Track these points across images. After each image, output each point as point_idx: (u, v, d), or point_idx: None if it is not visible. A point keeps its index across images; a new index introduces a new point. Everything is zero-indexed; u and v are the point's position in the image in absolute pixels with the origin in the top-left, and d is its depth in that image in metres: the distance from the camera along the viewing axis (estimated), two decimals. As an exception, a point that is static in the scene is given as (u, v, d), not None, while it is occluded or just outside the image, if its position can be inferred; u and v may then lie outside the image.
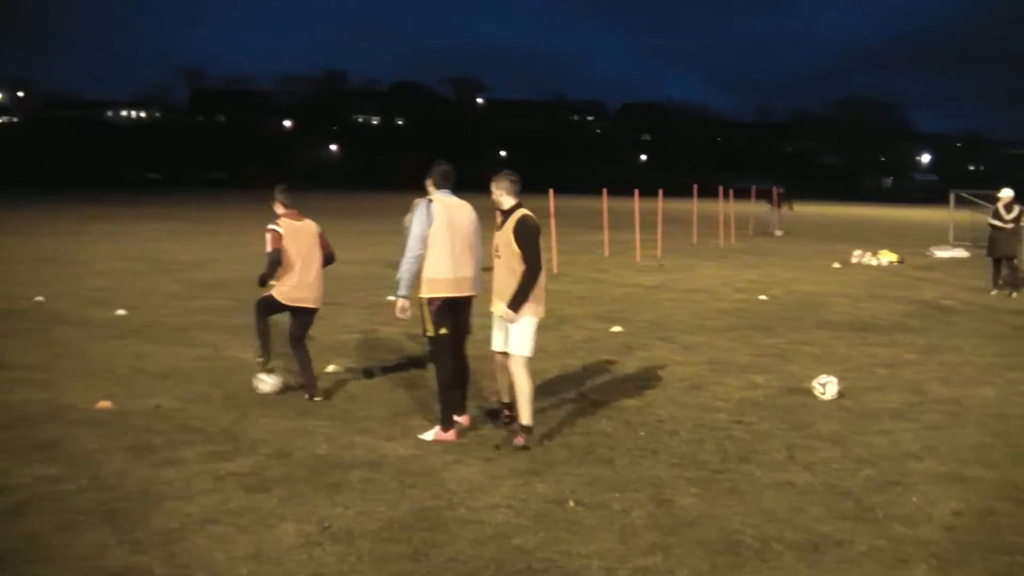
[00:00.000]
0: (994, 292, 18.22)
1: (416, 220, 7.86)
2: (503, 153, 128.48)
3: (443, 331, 7.89)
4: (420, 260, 7.81)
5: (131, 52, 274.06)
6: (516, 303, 7.48)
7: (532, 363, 7.73)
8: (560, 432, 8.00)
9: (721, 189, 34.93)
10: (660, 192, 29.69)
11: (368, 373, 10.10)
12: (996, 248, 18.34)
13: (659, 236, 27.35)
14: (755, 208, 39.00)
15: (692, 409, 8.89)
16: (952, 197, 33.99)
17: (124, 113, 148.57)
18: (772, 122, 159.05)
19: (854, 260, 25.02)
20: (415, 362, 10.65)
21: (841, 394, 9.36)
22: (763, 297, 17.03)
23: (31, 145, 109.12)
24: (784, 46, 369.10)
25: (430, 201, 7.98)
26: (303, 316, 9.29)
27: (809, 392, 9.44)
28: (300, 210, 9.44)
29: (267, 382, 9.17)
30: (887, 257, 24.97)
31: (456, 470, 6.96)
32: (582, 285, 18.30)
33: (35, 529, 5.68)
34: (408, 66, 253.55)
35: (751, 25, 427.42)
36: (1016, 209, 18.15)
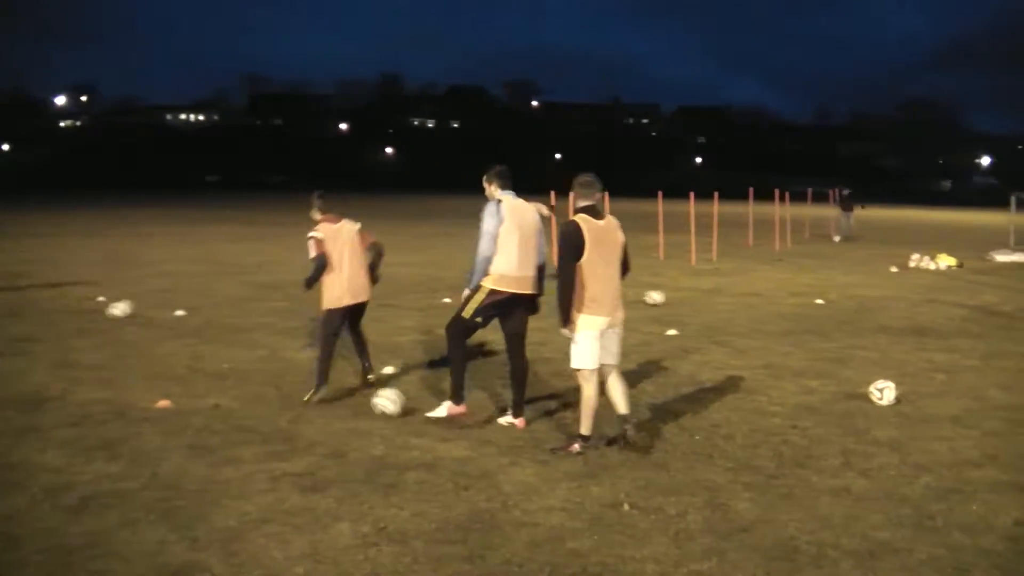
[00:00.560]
0: None
1: (488, 220, 8.05)
2: (558, 156, 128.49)
3: (479, 319, 8.21)
4: (492, 260, 8.03)
5: (194, 58, 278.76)
6: (560, 319, 7.42)
7: (622, 360, 7.73)
8: (615, 435, 7.99)
9: (777, 192, 34.66)
10: (716, 195, 29.54)
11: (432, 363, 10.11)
12: None
13: (714, 239, 27.20)
14: (813, 211, 38.60)
15: (747, 413, 8.84)
16: (1013, 200, 33.38)
17: (183, 117, 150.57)
18: (831, 125, 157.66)
19: (912, 264, 24.69)
20: (470, 363, 10.69)
21: (898, 400, 9.26)
22: (819, 301, 16.88)
23: (95, 148, 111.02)
24: (844, 48, 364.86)
25: (499, 201, 8.16)
26: (358, 310, 9.68)
27: (866, 397, 9.35)
28: (341, 212, 9.68)
29: (391, 404, 8.64)
30: (946, 261, 24.62)
31: (511, 472, 6.98)
32: (637, 288, 18.25)
33: (98, 525, 5.80)
34: (465, 69, 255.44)
35: (811, 28, 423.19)
36: None
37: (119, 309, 13.59)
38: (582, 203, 7.53)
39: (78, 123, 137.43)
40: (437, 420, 8.36)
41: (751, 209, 32.17)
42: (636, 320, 14.19)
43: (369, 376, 9.72)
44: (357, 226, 9.60)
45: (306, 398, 9.07)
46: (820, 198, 39.23)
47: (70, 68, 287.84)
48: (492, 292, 8.08)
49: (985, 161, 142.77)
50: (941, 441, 8.01)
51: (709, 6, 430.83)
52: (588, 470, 7.07)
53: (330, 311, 9.42)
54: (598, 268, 7.30)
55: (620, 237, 7.58)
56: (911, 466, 7.32)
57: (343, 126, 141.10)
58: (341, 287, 9.34)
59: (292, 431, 7.96)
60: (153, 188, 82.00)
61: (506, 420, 8.34)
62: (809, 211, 38.59)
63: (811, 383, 10.16)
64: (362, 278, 9.55)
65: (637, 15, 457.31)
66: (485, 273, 8.06)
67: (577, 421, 7.74)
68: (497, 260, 8.03)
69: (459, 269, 20.52)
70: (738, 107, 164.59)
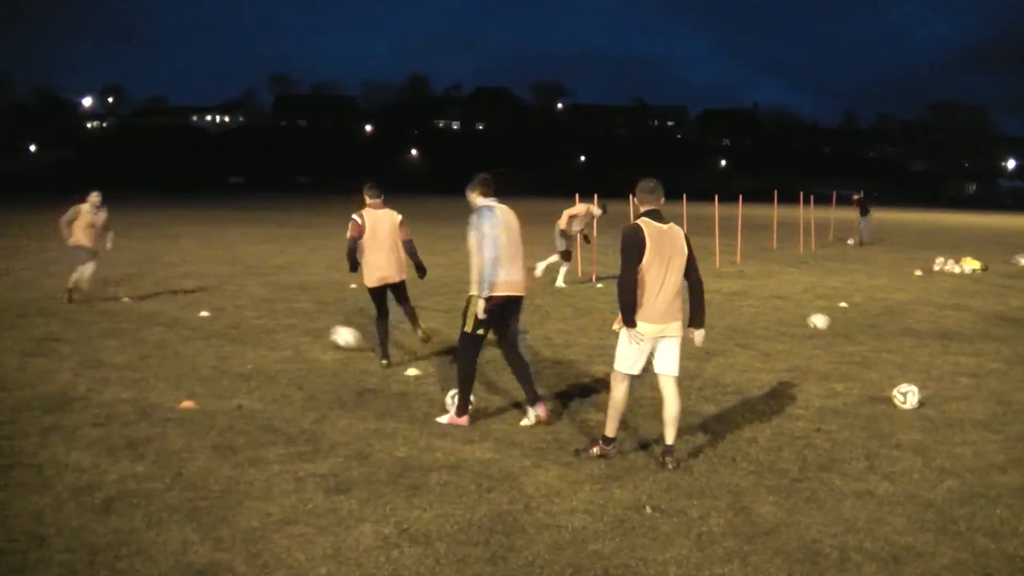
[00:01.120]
0: None
1: (485, 225, 8.18)
2: (583, 158, 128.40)
3: (480, 331, 8.37)
4: (496, 262, 8.14)
5: (223, 59, 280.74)
6: (624, 320, 7.32)
7: (611, 367, 7.71)
8: (638, 437, 7.99)
9: (802, 195, 34.49)
10: (740, 197, 29.45)
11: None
12: None
13: (739, 242, 27.12)
14: (836, 214, 38.42)
15: (771, 416, 8.82)
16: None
17: (208, 118, 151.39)
18: (858, 128, 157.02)
19: (936, 268, 24.52)
20: (494, 367, 10.71)
21: (922, 403, 9.22)
22: (844, 304, 16.80)
23: (121, 149, 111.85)
24: (872, 52, 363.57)
25: (490, 208, 8.34)
26: (396, 291, 10.73)
27: (890, 401, 9.31)
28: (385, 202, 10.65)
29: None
30: (970, 265, 24.45)
31: (534, 474, 6.99)
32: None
33: (124, 525, 5.84)
34: (492, 71, 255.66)
35: (839, 31, 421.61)
36: None
37: (343, 339, 11.55)
38: (645, 207, 7.45)
39: (104, 124, 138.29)
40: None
41: (775, 212, 32.04)
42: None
43: (419, 334, 10.82)
44: (399, 218, 10.70)
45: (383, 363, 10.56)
46: (843, 201, 38.97)
47: (99, 69, 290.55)
48: (486, 300, 8.22)
49: (1011, 164, 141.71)
50: (966, 445, 7.96)
51: (737, 9, 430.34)
52: (611, 472, 7.07)
53: (371, 291, 10.68)
54: (654, 273, 7.19)
55: (684, 245, 7.41)
56: (935, 470, 7.29)
57: (368, 128, 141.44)
58: (375, 266, 10.53)
59: (316, 432, 7.99)
60: (178, 189, 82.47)
61: (529, 418, 8.44)
62: (833, 214, 38.39)
63: (836, 386, 10.12)
64: (394, 261, 10.60)
65: (664, 18, 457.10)
66: (492, 272, 8.15)
67: (602, 424, 7.73)
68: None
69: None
70: (764, 110, 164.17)
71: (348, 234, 10.59)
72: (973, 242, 37.27)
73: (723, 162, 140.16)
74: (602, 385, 9.89)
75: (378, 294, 10.68)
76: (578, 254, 20.49)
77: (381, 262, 10.51)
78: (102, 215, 15.57)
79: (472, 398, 8.50)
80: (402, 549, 5.58)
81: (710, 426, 8.44)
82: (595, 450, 7.43)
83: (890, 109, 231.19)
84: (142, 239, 28.68)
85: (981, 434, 8.32)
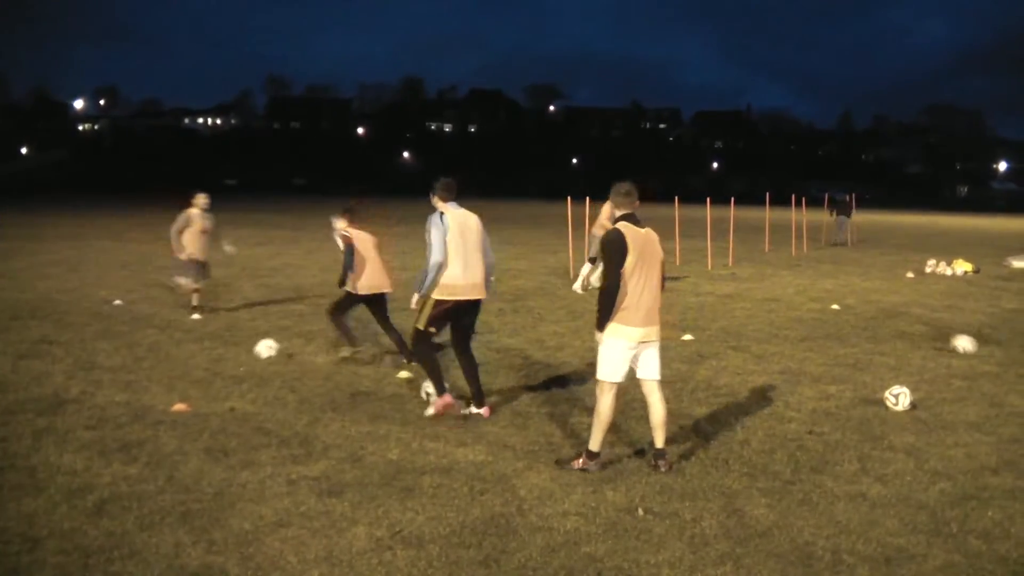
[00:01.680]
0: None
1: (435, 231, 8.48)
2: (575, 160, 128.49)
3: (432, 329, 8.71)
4: (442, 267, 8.51)
5: (218, 62, 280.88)
6: (597, 323, 7.29)
7: (663, 370, 7.70)
8: (631, 440, 8.00)
9: (794, 197, 34.55)
10: (732, 200, 29.49)
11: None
12: None
13: (731, 244, 27.15)
14: (828, 217, 38.49)
15: (764, 419, 8.83)
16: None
17: (201, 120, 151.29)
18: (854, 130, 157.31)
19: (928, 270, 24.57)
20: (484, 369, 10.72)
21: (914, 405, 9.24)
22: (836, 307, 16.83)
23: (114, 151, 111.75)
24: (868, 55, 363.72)
25: (442, 214, 8.59)
26: (380, 304, 11.28)
27: (883, 403, 9.33)
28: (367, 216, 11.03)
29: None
30: (962, 267, 24.50)
31: (527, 477, 6.99)
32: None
33: (117, 527, 5.84)
34: (487, 73, 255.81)
35: (835, 34, 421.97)
36: None
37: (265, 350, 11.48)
38: (621, 211, 7.40)
39: (96, 126, 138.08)
40: (453, 424, 8.40)
41: (768, 214, 32.09)
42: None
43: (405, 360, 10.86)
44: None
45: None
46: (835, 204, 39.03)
47: (93, 71, 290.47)
48: (439, 303, 8.59)
49: (1003, 166, 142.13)
50: (958, 447, 7.98)
51: (732, 12, 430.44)
52: (604, 475, 7.07)
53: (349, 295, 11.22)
54: (636, 277, 7.15)
55: (660, 251, 7.45)
56: (928, 472, 7.30)
57: (360, 130, 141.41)
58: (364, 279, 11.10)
59: (309, 435, 7.99)
60: (173, 191, 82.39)
61: (470, 410, 8.74)
62: (826, 216, 38.43)
63: (828, 388, 10.14)
64: (382, 271, 11.29)
65: (660, 21, 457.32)
66: (436, 280, 8.51)
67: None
68: (442, 272, 8.52)
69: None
70: (759, 112, 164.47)
71: (342, 245, 11.22)
72: (965, 244, 37.34)
73: (716, 164, 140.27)
74: (591, 388, 9.89)
75: (356, 301, 11.24)
76: (570, 257, 20.42)
77: (370, 272, 11.15)
78: (212, 219, 14.58)
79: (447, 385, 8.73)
80: (395, 551, 5.58)
81: (703, 428, 8.45)
82: (578, 463, 7.25)
83: (885, 112, 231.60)
84: (136, 241, 28.63)
85: (973, 436, 8.34)
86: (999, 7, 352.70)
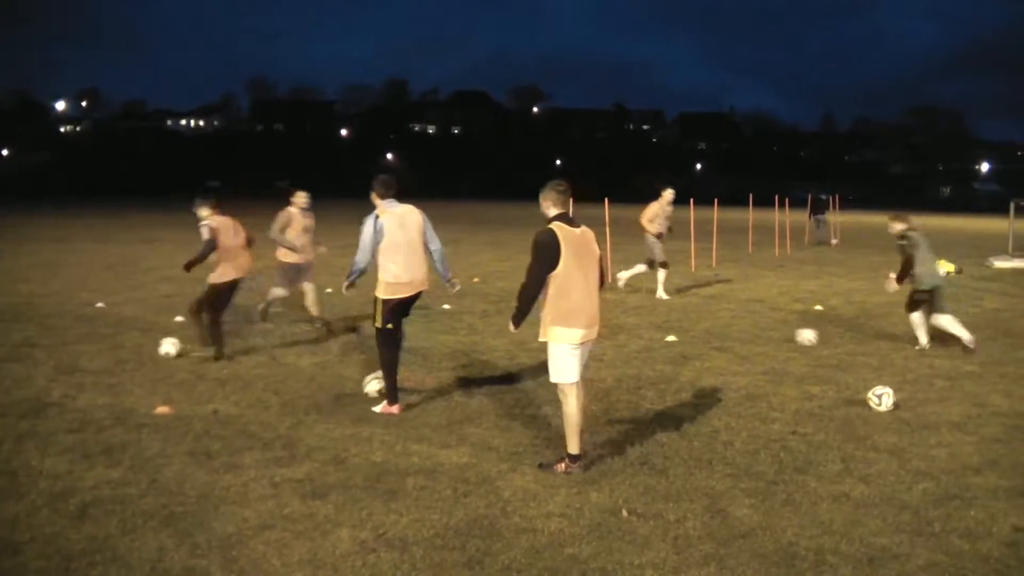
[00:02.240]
0: None
1: (365, 233, 8.74)
2: (558, 162, 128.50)
3: (390, 326, 8.92)
4: (364, 270, 8.91)
5: (202, 63, 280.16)
6: (513, 317, 7.31)
7: (588, 371, 7.72)
8: (614, 441, 8.00)
9: (777, 198, 34.64)
10: (716, 201, 29.55)
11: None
12: None
13: (714, 245, 27.20)
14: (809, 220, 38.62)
15: (747, 419, 8.85)
16: (1012, 206, 33.31)
17: (184, 122, 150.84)
18: (837, 132, 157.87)
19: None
20: (470, 370, 10.72)
21: (897, 405, 9.27)
22: (820, 307, 16.88)
23: (96, 153, 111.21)
24: (851, 56, 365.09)
25: (377, 217, 8.76)
26: (235, 289, 11.83)
27: (866, 403, 9.35)
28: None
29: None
30: (945, 268, 24.54)
31: (511, 478, 6.99)
32: (638, 295, 18.26)
33: (99, 532, 5.81)
34: (470, 75, 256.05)
35: (818, 35, 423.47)
36: None
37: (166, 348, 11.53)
38: (556, 211, 7.32)
39: (78, 128, 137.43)
40: (437, 426, 8.40)
41: (751, 215, 32.16)
42: (637, 326, 14.20)
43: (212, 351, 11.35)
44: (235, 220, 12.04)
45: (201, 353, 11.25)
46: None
47: (76, 73, 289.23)
48: (386, 302, 8.85)
49: (984, 167, 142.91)
50: (941, 447, 8.01)
51: (716, 13, 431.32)
52: (587, 476, 7.08)
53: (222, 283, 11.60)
54: (576, 279, 7.11)
55: (596, 249, 7.42)
56: (911, 472, 7.33)
57: (343, 132, 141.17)
58: (231, 267, 11.61)
59: (292, 437, 7.97)
60: (156, 193, 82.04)
61: (372, 392, 9.31)
62: (808, 218, 38.55)
63: (812, 389, 10.17)
64: (244, 259, 11.83)
65: (643, 22, 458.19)
66: (359, 276, 8.94)
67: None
68: (386, 271, 8.81)
69: (463, 275, 20.55)
70: (743, 113, 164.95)
71: (205, 237, 11.80)
72: (948, 245, 37.48)
73: (699, 166, 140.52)
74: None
75: (226, 292, 11.78)
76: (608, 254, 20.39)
77: (229, 263, 11.72)
78: (312, 217, 13.85)
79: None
80: (379, 554, 5.58)
81: (686, 429, 8.46)
82: (561, 467, 7.22)
83: (869, 113, 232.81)
84: (120, 243, 28.54)
85: (956, 436, 8.37)
86: (981, 10, 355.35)
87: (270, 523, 6.03)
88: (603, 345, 12.26)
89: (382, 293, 8.84)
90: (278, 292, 13.75)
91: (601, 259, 7.49)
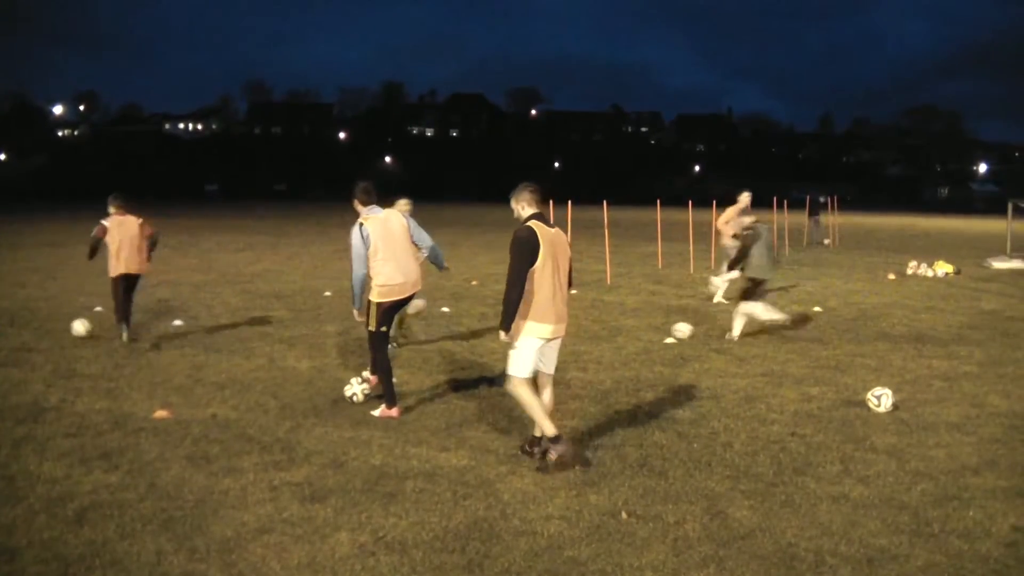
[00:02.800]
0: None
1: (355, 244, 8.83)
2: (556, 164, 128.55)
3: (384, 328, 9.05)
4: (366, 278, 8.95)
5: (200, 67, 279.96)
6: (502, 323, 7.32)
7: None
8: (614, 444, 8.00)
9: (775, 199, 34.67)
10: (714, 203, 29.58)
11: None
12: None
13: (712, 247, 27.20)
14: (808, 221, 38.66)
15: (746, 421, 8.84)
16: (1010, 207, 33.32)
17: (181, 126, 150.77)
18: (835, 133, 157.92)
19: (909, 271, 24.69)
20: (469, 373, 10.71)
21: (896, 406, 9.27)
22: (818, 309, 16.88)
23: (93, 157, 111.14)
24: (849, 57, 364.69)
25: (361, 224, 8.88)
26: (133, 283, 12.92)
27: (864, 404, 9.35)
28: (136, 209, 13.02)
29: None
30: (943, 268, 24.62)
31: (510, 481, 6.98)
32: (637, 296, 18.27)
33: (98, 536, 5.80)
34: (468, 78, 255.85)
35: (815, 36, 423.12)
36: None
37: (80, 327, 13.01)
38: (531, 210, 7.48)
39: (75, 132, 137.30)
40: (436, 429, 8.39)
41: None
42: (637, 328, 14.20)
43: (124, 335, 12.53)
44: (140, 220, 12.84)
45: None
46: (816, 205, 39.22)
47: (73, 76, 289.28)
48: (380, 305, 8.96)
49: (982, 168, 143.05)
50: (939, 448, 8.01)
51: (713, 15, 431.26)
52: (587, 479, 7.07)
53: (112, 278, 12.73)
54: (549, 277, 7.27)
55: (568, 250, 7.62)
56: (909, 473, 7.32)
57: (341, 135, 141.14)
58: (116, 261, 12.64)
59: (291, 440, 7.96)
60: (153, 197, 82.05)
61: (359, 389, 9.33)
62: (807, 219, 38.59)
63: (810, 390, 10.17)
64: (136, 256, 12.77)
65: (640, 24, 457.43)
66: (364, 290, 8.98)
67: (574, 432, 7.72)
68: (379, 275, 8.91)
69: (461, 277, 20.56)
70: (740, 115, 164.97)
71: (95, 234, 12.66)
72: (946, 246, 37.53)
73: (697, 167, 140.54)
74: (575, 392, 9.90)
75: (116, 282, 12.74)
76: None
77: (121, 257, 12.65)
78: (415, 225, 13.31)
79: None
80: (378, 557, 5.57)
81: (685, 431, 8.45)
82: (553, 455, 7.29)
83: (866, 114, 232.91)
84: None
85: (955, 436, 8.37)
86: (978, 11, 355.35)
87: (269, 527, 6.01)
88: (601, 347, 12.26)
89: (376, 297, 8.94)
90: (422, 304, 12.66)
91: (570, 260, 7.67)
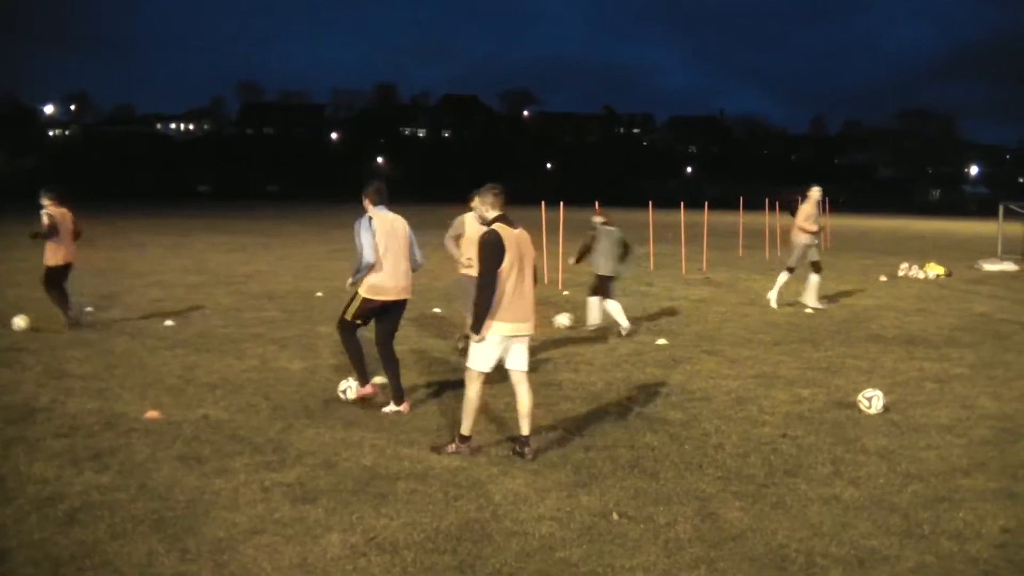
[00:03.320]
0: None
1: (364, 235, 8.96)
2: (549, 165, 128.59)
3: (359, 322, 9.19)
4: (374, 266, 8.94)
5: (192, 68, 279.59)
6: (473, 326, 7.54)
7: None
8: (605, 445, 8.01)
9: (767, 201, 34.72)
10: (706, 204, 29.60)
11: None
12: None
13: (704, 249, 27.24)
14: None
15: (738, 423, 8.86)
16: (1001, 209, 33.42)
17: (173, 126, 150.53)
18: (827, 135, 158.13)
19: (901, 273, 24.76)
20: (460, 374, 10.70)
21: (887, 408, 9.29)
22: (810, 310, 16.91)
23: (84, 157, 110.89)
24: (841, 59, 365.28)
25: (370, 218, 8.98)
26: (67, 272, 13.78)
27: (856, 406, 9.38)
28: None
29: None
30: (934, 270, 24.69)
31: (502, 482, 6.99)
32: (628, 298, 18.26)
33: (89, 537, 5.79)
34: (461, 80, 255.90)
35: (808, 39, 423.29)
36: None
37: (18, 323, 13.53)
38: (495, 212, 7.69)
39: (67, 132, 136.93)
40: (427, 430, 8.40)
41: (741, 219, 32.21)
42: (627, 330, 14.20)
43: (68, 316, 13.59)
44: (71, 214, 13.91)
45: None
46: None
47: (64, 76, 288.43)
48: (366, 300, 9.05)
49: (974, 171, 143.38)
50: (930, 449, 8.03)
51: (706, 17, 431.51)
52: (578, 480, 7.08)
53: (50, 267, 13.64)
54: (511, 277, 7.45)
55: (532, 250, 7.77)
56: (900, 474, 7.34)
57: (334, 135, 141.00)
58: (60, 250, 13.62)
59: (283, 441, 7.95)
60: (145, 197, 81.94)
61: (391, 409, 9.02)
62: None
63: (802, 392, 10.19)
64: (72, 247, 13.84)
65: (633, 26, 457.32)
66: (367, 274, 8.99)
67: (567, 433, 7.73)
68: (373, 272, 8.97)
69: (450, 278, 20.53)
70: (733, 117, 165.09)
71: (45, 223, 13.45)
72: (937, 248, 37.62)
73: (689, 169, 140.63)
74: (566, 393, 9.91)
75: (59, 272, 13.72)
76: (561, 261, 20.38)
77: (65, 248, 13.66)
78: None
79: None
80: (369, 558, 5.57)
81: (677, 432, 8.46)
82: (451, 448, 7.67)
83: (858, 116, 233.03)
84: (109, 248, 28.46)
85: (945, 438, 8.39)
86: (970, 14, 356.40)
87: (260, 528, 6.01)
88: (593, 348, 12.27)
89: (365, 292, 9.05)
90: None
91: (535, 259, 7.85)
